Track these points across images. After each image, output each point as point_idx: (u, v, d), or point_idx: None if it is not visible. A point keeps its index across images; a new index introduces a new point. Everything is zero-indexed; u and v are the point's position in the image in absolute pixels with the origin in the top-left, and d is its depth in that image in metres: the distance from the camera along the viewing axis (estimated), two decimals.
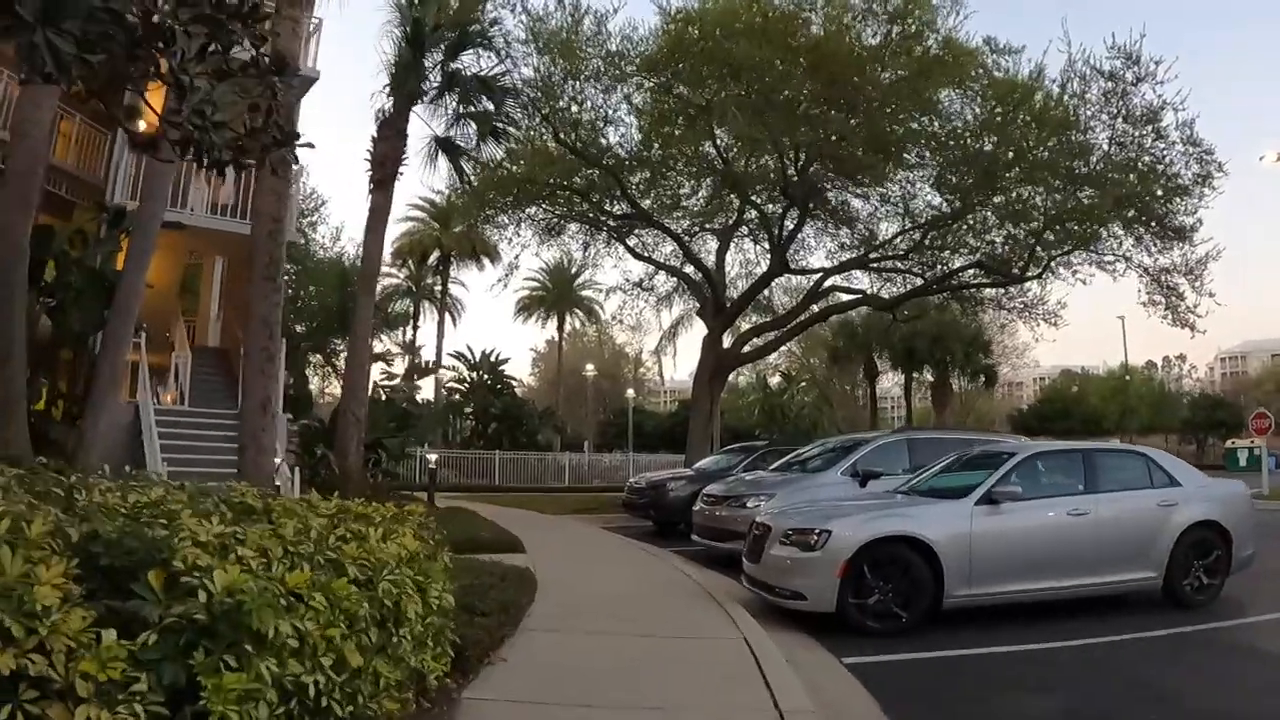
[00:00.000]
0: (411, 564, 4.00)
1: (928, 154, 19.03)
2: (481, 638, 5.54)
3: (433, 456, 19.66)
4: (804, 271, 23.19)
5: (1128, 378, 57.13)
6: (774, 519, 8.13)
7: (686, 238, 22.64)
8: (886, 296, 23.51)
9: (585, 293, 48.33)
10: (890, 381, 52.37)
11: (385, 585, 3.50)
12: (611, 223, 22.71)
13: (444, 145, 16.76)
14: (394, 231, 45.05)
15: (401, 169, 16.16)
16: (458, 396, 38.25)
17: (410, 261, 44.23)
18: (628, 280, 26.70)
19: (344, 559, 3.45)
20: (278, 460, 12.77)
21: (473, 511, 15.77)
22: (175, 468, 12.92)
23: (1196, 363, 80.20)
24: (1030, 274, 21.02)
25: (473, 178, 18.03)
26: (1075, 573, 8.17)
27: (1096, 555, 8.27)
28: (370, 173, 15.73)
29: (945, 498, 8.40)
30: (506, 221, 23.02)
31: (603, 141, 19.48)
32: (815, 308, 23.64)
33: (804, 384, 51.19)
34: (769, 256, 23.88)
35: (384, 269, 43.25)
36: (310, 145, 5.73)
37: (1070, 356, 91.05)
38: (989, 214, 21.26)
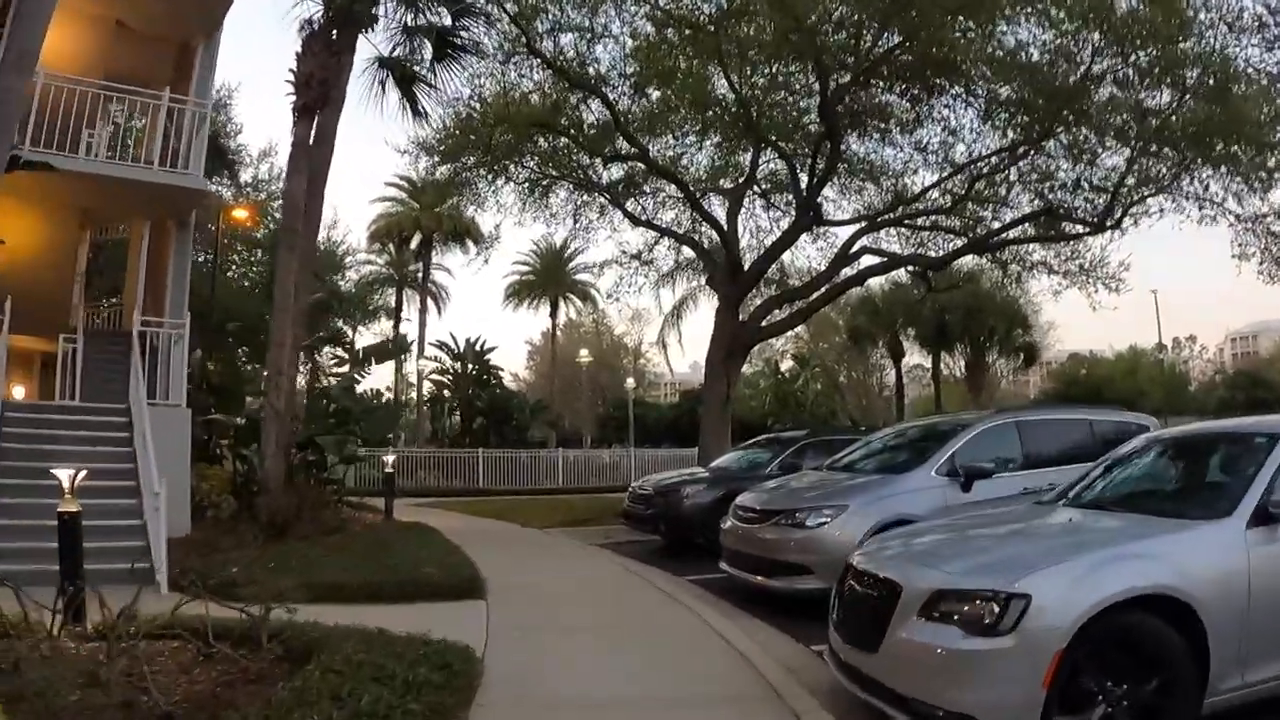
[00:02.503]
0: None
1: (991, 69, 15.40)
2: None
3: (389, 458, 16.16)
4: (835, 223, 19.64)
5: (1161, 356, 53.67)
6: (895, 565, 4.59)
7: (696, 193, 19.11)
8: (932, 256, 19.96)
9: (579, 275, 44.74)
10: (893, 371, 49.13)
11: None
12: (606, 170, 19.24)
13: (391, 68, 13.25)
14: (370, 212, 41.78)
15: (335, 92, 12.68)
16: (446, 392, 34.85)
17: (390, 245, 40.77)
18: (624, 253, 23.09)
19: None
20: (153, 474, 9.33)
21: (434, 528, 12.32)
22: (31, 480, 9.54)
23: (1206, 344, 77.30)
24: (1109, 223, 17.48)
25: (429, 110, 14.47)
26: None
27: None
28: (294, 97, 12.23)
29: (1167, 514, 4.93)
30: (484, 186, 19.58)
31: (588, 52, 15.93)
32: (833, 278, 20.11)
33: (815, 369, 47.66)
34: (791, 213, 20.44)
35: (363, 255, 40.01)
36: None
37: (1075, 340, 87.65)
38: (1054, 154, 17.80)
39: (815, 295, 18.97)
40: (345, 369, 18.76)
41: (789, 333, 36.26)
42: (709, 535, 10.96)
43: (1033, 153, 17.71)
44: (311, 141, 13.05)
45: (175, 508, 11.32)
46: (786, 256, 21.56)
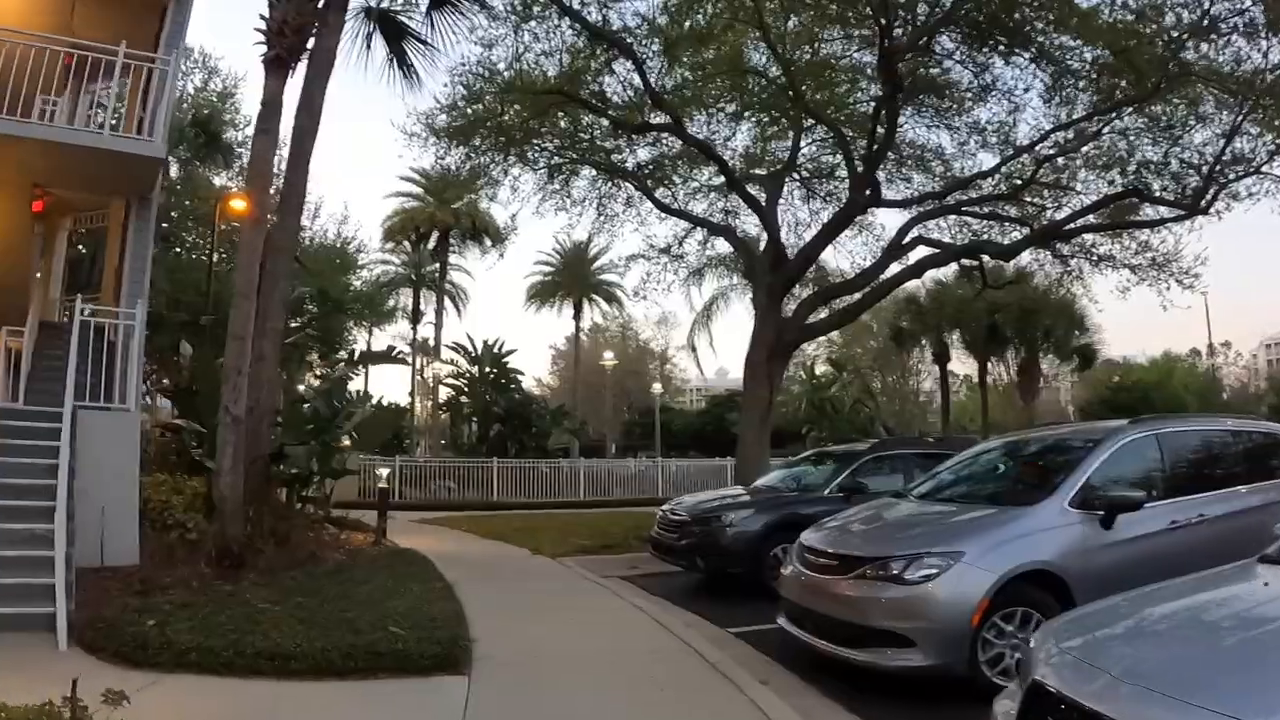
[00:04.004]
0: None
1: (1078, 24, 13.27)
2: None
3: (384, 470, 14.28)
4: (892, 204, 17.53)
5: (1215, 361, 51.01)
6: (1147, 702, 2.58)
7: (734, 166, 17.12)
8: (998, 244, 17.88)
9: (604, 276, 42.85)
10: (931, 375, 46.73)
11: None
12: (632, 152, 17.32)
13: (379, 19, 11.39)
14: (384, 208, 40.20)
15: (318, 49, 10.90)
16: (463, 398, 32.98)
17: (406, 243, 39.06)
18: (652, 247, 21.17)
19: None
20: (62, 495, 7.47)
21: (427, 557, 10.40)
22: None
23: (1241, 350, 74.39)
24: (1202, 205, 15.32)
25: (422, 72, 12.51)
26: None
27: None
28: (265, 46, 10.36)
29: None
30: (498, 172, 17.72)
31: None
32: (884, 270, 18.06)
33: (849, 375, 45.41)
34: (836, 202, 18.56)
35: (377, 254, 38.30)
36: None
37: (1106, 346, 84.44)
38: (1137, 128, 15.71)
39: (866, 290, 16.90)
40: (335, 371, 17.07)
41: (821, 337, 34.10)
42: (757, 571, 9.14)
43: (1115, 123, 15.65)
44: (297, 106, 11.32)
45: (119, 532, 9.60)
46: (826, 254, 19.64)
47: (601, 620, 7.82)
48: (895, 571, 5.56)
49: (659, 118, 15.34)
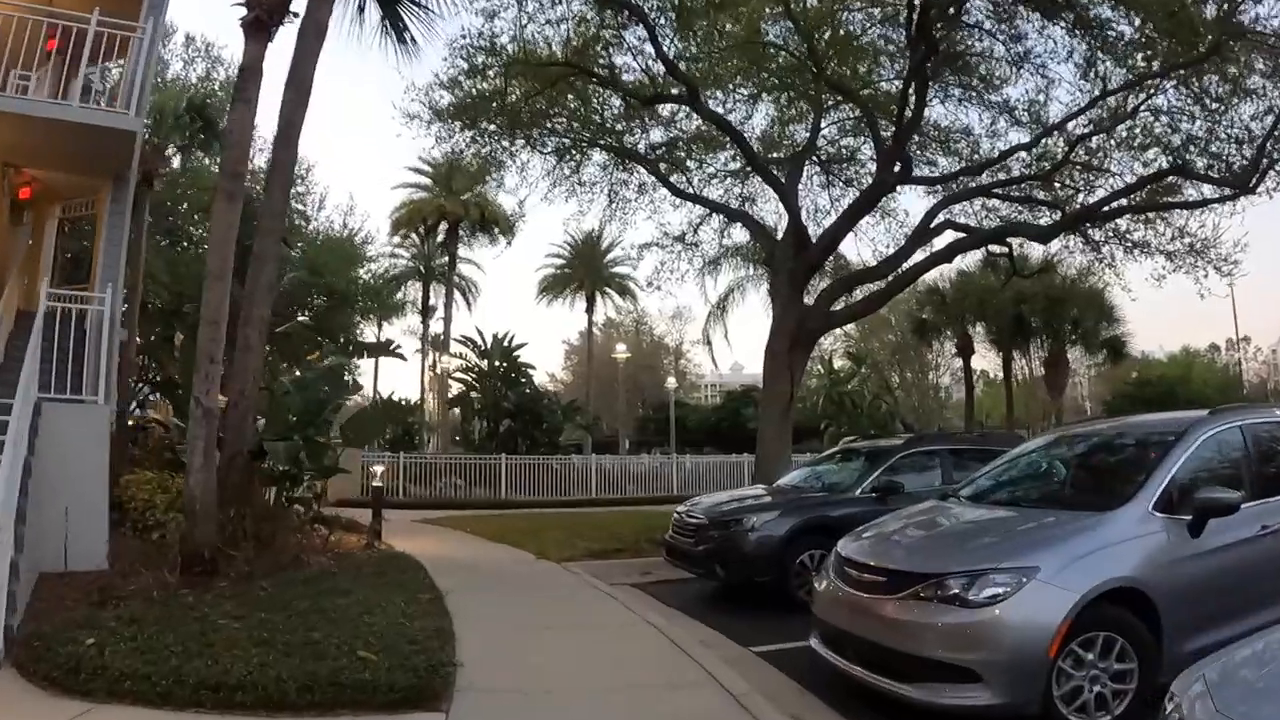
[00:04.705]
0: None
1: None
2: None
3: (378, 468, 13.45)
4: (923, 180, 16.56)
5: (1238, 354, 49.69)
6: None
7: (754, 144, 16.20)
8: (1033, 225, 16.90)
9: (617, 269, 41.96)
10: (950, 370, 45.56)
11: None
12: (645, 134, 16.43)
13: None
14: (391, 199, 39.41)
15: (309, 18, 10.07)
16: (474, 393, 32.19)
17: (415, 233, 38.26)
18: (666, 234, 20.27)
19: None
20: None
21: (419, 563, 9.56)
22: None
23: (1260, 345, 72.97)
24: (1252, 183, 14.28)
25: (419, 39, 11.64)
26: None
27: None
28: (245, 9, 9.52)
29: None
30: (506, 158, 16.90)
31: None
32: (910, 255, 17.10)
33: (866, 368, 44.33)
34: (856, 189, 17.66)
35: (386, 246, 37.49)
36: None
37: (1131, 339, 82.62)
38: (1183, 100, 14.70)
39: (892, 275, 15.95)
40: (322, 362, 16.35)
41: (838, 330, 33.01)
42: (782, 579, 8.39)
43: (1154, 100, 14.68)
44: (286, 79, 10.50)
45: (85, 533, 8.89)
46: (847, 245, 18.73)
47: (608, 639, 6.92)
48: (955, 591, 4.65)
49: (673, 91, 14.48)
